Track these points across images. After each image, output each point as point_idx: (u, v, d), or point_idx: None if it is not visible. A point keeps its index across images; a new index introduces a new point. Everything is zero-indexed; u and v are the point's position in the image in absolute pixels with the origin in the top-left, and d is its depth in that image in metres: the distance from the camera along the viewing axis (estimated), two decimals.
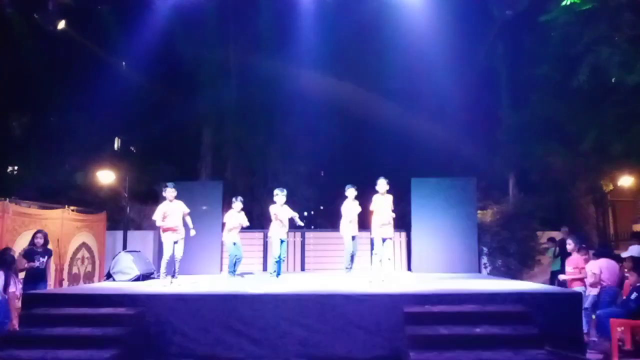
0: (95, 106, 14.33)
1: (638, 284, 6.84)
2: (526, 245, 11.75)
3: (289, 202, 8.64)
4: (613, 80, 10.32)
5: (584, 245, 8.31)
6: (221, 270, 10.35)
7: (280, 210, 8.52)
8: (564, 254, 9.44)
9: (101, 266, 11.57)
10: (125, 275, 9.18)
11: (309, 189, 16.73)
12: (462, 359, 5.53)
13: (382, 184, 8.15)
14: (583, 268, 7.81)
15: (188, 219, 8.31)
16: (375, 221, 8.16)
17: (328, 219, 17.77)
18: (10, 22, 12.41)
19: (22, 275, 7.97)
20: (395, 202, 8.35)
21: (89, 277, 11.13)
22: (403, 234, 11.59)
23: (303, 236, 11.85)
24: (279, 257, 8.52)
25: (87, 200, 13.01)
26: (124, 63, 14.01)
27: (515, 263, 11.61)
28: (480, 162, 14.55)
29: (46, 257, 8.05)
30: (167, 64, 15.64)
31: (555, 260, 10.96)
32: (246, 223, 9.27)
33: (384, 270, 8.09)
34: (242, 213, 9.28)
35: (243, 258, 9.48)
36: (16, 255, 7.92)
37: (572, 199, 13.98)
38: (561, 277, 8.36)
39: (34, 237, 8.03)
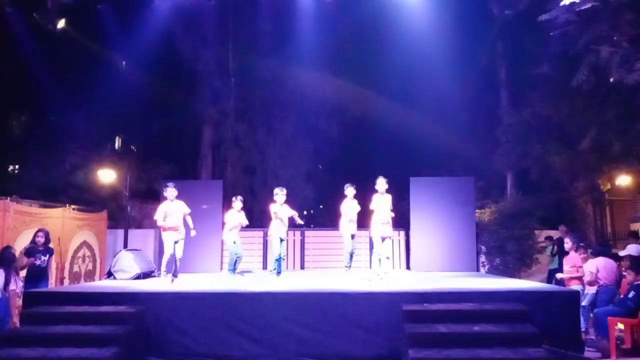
0: (95, 105, 14.37)
1: (636, 283, 6.88)
2: (524, 244, 11.79)
3: (289, 201, 8.67)
4: (612, 79, 10.32)
5: (582, 244, 8.34)
6: (221, 269, 10.38)
7: (280, 209, 8.55)
8: (562, 253, 9.47)
9: (102, 265, 11.60)
10: (126, 274, 9.21)
11: (308, 187, 16.77)
12: (460, 357, 5.57)
13: (381, 183, 8.18)
14: (581, 267, 7.85)
15: (189, 219, 8.34)
16: (374, 220, 8.19)
17: (327, 218, 17.83)
18: (10, 21, 12.43)
19: (23, 273, 8.01)
20: (394, 201, 8.39)
21: (89, 276, 11.16)
22: (402, 233, 11.62)
23: (303, 235, 11.88)
24: (279, 255, 8.55)
25: (88, 199, 13.06)
26: (124, 62, 14.04)
27: (514, 262, 11.65)
28: (479, 161, 14.61)
29: (47, 256, 8.07)
30: (167, 63, 15.67)
31: (553, 259, 10.99)
32: (245, 222, 9.29)
33: (383, 269, 8.13)
34: (242, 212, 9.31)
35: (243, 257, 9.52)
36: (17, 253, 7.97)
37: (570, 198, 14.01)
38: (559, 275, 8.39)
39: (35, 235, 8.06)
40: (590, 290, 7.74)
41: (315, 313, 6.47)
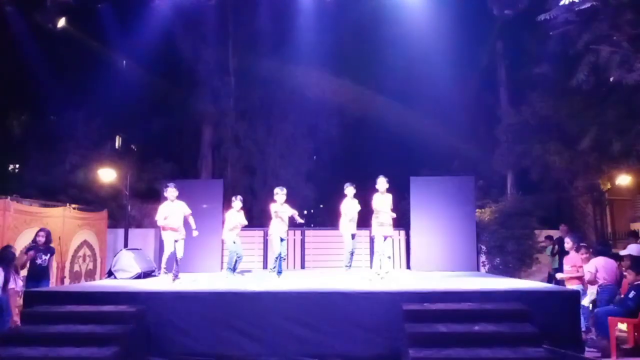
0: (96, 105, 14.38)
1: (636, 282, 6.88)
2: (524, 244, 11.79)
3: (289, 200, 8.68)
4: (612, 79, 10.33)
5: (584, 244, 8.34)
6: (221, 268, 10.38)
7: (280, 208, 8.56)
8: (562, 253, 9.47)
9: (102, 264, 11.61)
10: (126, 273, 9.22)
11: (308, 187, 16.79)
12: (460, 357, 5.57)
13: (382, 183, 8.19)
14: (581, 266, 7.85)
15: (191, 220, 8.34)
16: (375, 219, 8.19)
17: (328, 218, 17.84)
18: (10, 21, 12.43)
19: (24, 273, 8.02)
20: (394, 201, 8.39)
21: (90, 275, 11.17)
22: (402, 233, 11.63)
23: (303, 234, 11.89)
24: (279, 254, 8.55)
25: (88, 199, 13.06)
26: (124, 62, 14.04)
27: (514, 261, 11.66)
28: (479, 160, 14.62)
29: (48, 255, 8.08)
30: (167, 62, 15.68)
31: (553, 259, 11.00)
32: (244, 222, 9.31)
33: (384, 269, 8.14)
34: (242, 212, 9.32)
35: (243, 256, 9.53)
36: (17, 253, 7.97)
37: (570, 198, 14.02)
38: (558, 275, 8.39)
39: (36, 235, 8.07)
40: (591, 290, 7.74)
41: (315, 312, 6.47)
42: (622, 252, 8.45)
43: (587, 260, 7.96)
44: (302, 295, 6.79)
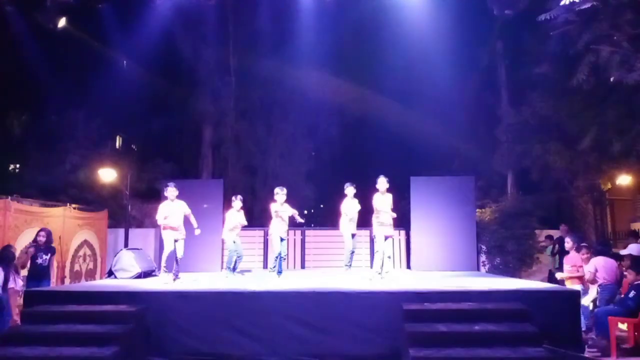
0: (96, 104, 14.40)
1: (636, 282, 6.88)
2: (525, 244, 11.79)
3: (289, 200, 8.68)
4: (612, 79, 10.33)
5: (585, 244, 8.34)
6: (222, 268, 10.39)
7: (280, 208, 8.56)
8: (562, 252, 9.48)
9: (103, 264, 11.62)
10: (126, 273, 9.23)
11: (308, 187, 16.79)
12: (460, 356, 5.57)
13: (382, 183, 8.18)
14: (581, 266, 7.85)
15: (192, 219, 8.35)
16: (376, 219, 8.19)
17: (328, 217, 17.85)
18: (10, 20, 12.43)
19: (24, 272, 8.03)
20: (394, 201, 8.40)
21: (90, 275, 11.18)
22: (402, 232, 11.63)
23: (303, 234, 11.90)
24: (279, 254, 8.55)
25: (89, 198, 13.07)
26: (124, 61, 14.05)
27: (514, 261, 11.65)
28: (479, 160, 14.62)
29: (49, 255, 8.09)
30: (168, 62, 15.69)
31: (554, 259, 11.00)
32: (244, 222, 9.33)
33: (384, 268, 8.14)
34: (242, 212, 9.33)
35: (243, 256, 9.54)
36: (18, 252, 7.98)
37: (570, 198, 14.02)
38: (558, 275, 8.39)
39: (37, 235, 8.08)
40: (591, 289, 7.74)
41: (315, 312, 6.48)
42: (623, 252, 8.45)
43: (588, 260, 7.96)
44: (302, 295, 6.79)
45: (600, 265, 7.59)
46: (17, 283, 7.07)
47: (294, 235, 11.76)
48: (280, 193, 8.47)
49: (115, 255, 9.83)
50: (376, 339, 6.33)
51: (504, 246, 11.69)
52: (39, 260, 7.90)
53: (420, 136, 15.53)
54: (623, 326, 6.80)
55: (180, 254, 8.19)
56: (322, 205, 21.11)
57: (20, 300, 7.01)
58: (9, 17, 12.19)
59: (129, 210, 12.65)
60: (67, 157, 14.12)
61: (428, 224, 10.67)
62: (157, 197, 9.33)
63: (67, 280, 10.17)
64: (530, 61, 12.97)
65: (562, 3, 9.74)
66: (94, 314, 6.40)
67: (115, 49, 14.78)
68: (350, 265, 8.81)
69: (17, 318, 6.84)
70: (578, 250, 8.10)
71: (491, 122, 14.65)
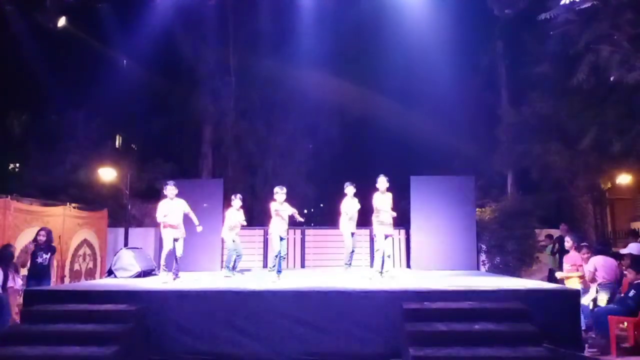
0: (96, 104, 14.39)
1: (636, 281, 6.88)
2: (525, 243, 11.78)
3: (289, 200, 8.68)
4: (612, 79, 10.33)
5: (586, 244, 8.33)
6: (222, 267, 10.40)
7: (280, 207, 8.56)
8: (562, 252, 9.48)
9: (102, 263, 11.62)
10: (126, 272, 9.24)
11: (308, 187, 16.79)
12: (460, 356, 5.58)
13: (382, 182, 8.18)
14: (581, 265, 7.85)
15: (192, 216, 8.35)
16: (376, 218, 8.19)
17: (328, 216, 17.84)
18: (10, 20, 12.44)
19: (24, 271, 8.04)
20: (394, 200, 8.40)
21: (90, 274, 11.18)
22: (402, 232, 11.63)
23: (303, 233, 11.90)
24: (279, 253, 8.54)
25: (89, 198, 13.07)
26: (124, 61, 14.04)
27: (514, 261, 11.64)
28: (479, 160, 14.62)
29: (49, 254, 8.09)
30: (168, 61, 15.69)
31: (553, 258, 11.00)
32: (243, 222, 9.35)
33: (384, 267, 8.14)
34: (241, 211, 9.34)
35: (243, 255, 9.55)
36: (17, 252, 7.99)
37: (570, 197, 14.02)
38: (558, 274, 8.39)
39: (37, 234, 8.09)
40: (591, 289, 7.74)
41: (315, 311, 6.48)
42: (623, 251, 8.44)
43: (588, 260, 7.96)
44: (302, 294, 6.79)
45: (599, 265, 7.59)
46: (17, 282, 7.08)
47: (294, 234, 11.76)
48: (280, 192, 8.47)
49: (115, 255, 9.84)
50: (376, 338, 6.34)
51: (504, 246, 11.69)
52: (39, 260, 7.91)
53: (420, 136, 15.53)
54: (623, 325, 6.82)
55: (179, 252, 8.18)
56: (322, 205, 21.11)
57: (20, 300, 7.01)
58: (9, 16, 12.20)
59: (129, 209, 12.66)
60: (67, 157, 14.12)
61: (428, 223, 10.67)
62: (157, 196, 9.35)
63: (67, 280, 10.17)
64: (530, 61, 12.97)
65: (562, 2, 9.76)
66: (93, 313, 6.40)
67: (115, 49, 14.78)
68: (350, 264, 8.81)
69: (16, 317, 6.84)
70: (579, 249, 8.10)
71: (491, 121, 14.64)
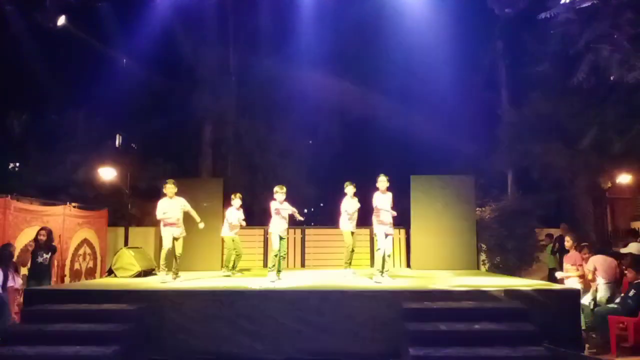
0: (96, 103, 14.36)
1: (636, 281, 6.88)
2: (525, 243, 11.79)
3: (290, 199, 8.68)
4: (612, 78, 10.33)
5: (587, 244, 8.33)
6: (221, 267, 10.42)
7: (280, 206, 8.57)
8: (562, 251, 9.48)
9: (103, 262, 11.62)
10: (126, 272, 9.25)
11: (309, 186, 16.77)
12: (460, 355, 5.58)
13: (382, 181, 8.19)
14: (581, 265, 7.86)
15: (193, 213, 8.36)
16: (376, 218, 8.19)
17: (328, 216, 17.82)
18: (10, 19, 12.43)
19: (25, 271, 8.04)
20: (394, 199, 8.40)
21: (90, 273, 11.18)
22: (402, 231, 11.64)
23: (303, 233, 11.91)
24: (278, 252, 8.54)
25: (89, 197, 13.06)
26: (124, 60, 14.03)
27: (514, 260, 11.64)
28: (479, 159, 14.59)
29: (50, 254, 8.09)
30: (168, 61, 15.67)
31: (553, 257, 11.00)
32: (243, 222, 9.36)
33: (385, 266, 8.15)
34: (241, 210, 9.36)
35: (243, 254, 9.55)
36: (17, 251, 7.98)
37: (570, 197, 14.00)
38: (558, 274, 8.40)
39: (37, 233, 8.10)
40: (591, 288, 7.74)
41: (315, 311, 6.49)
42: (623, 250, 8.44)
43: (589, 260, 7.96)
44: (302, 294, 6.81)
45: (598, 264, 7.60)
46: (17, 281, 7.08)
47: (294, 233, 11.77)
48: (279, 191, 8.47)
49: (115, 254, 9.85)
50: (376, 337, 6.34)
51: (504, 245, 11.68)
52: (40, 259, 7.92)
53: (420, 135, 15.50)
54: (623, 325, 6.81)
55: (179, 251, 8.17)
56: (322, 204, 21.09)
57: (20, 299, 7.01)
58: (9, 16, 12.19)
59: (129, 208, 12.65)
60: (67, 156, 14.10)
61: (428, 222, 10.68)
62: (158, 195, 9.33)
63: (67, 279, 10.17)
64: (530, 60, 12.95)
65: (562, 2, 9.76)
66: (94, 313, 6.41)
67: (116, 48, 14.75)
68: (350, 263, 8.82)
69: (15, 316, 6.83)
70: (580, 250, 8.10)
71: (491, 121, 14.62)
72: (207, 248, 10.34)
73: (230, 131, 16.54)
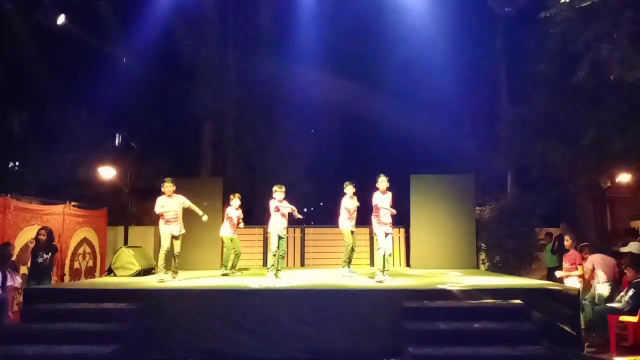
0: (96, 102, 14.37)
1: (636, 281, 6.89)
2: (525, 242, 11.78)
3: (289, 198, 8.68)
4: (612, 77, 10.32)
5: (587, 244, 8.33)
6: (221, 266, 10.42)
7: (280, 204, 8.57)
8: (562, 251, 9.48)
9: (102, 262, 11.62)
10: (126, 271, 9.26)
11: (308, 186, 16.78)
12: (460, 355, 5.59)
13: (382, 182, 8.17)
14: (581, 264, 7.86)
15: (195, 208, 8.35)
16: (376, 218, 8.18)
17: (328, 215, 17.83)
18: (10, 18, 12.42)
19: (24, 271, 8.04)
20: (394, 199, 8.40)
21: (90, 273, 11.18)
22: (402, 231, 11.64)
23: (303, 232, 11.92)
24: (278, 252, 8.54)
25: (89, 196, 13.05)
26: (124, 59, 14.02)
27: (514, 259, 11.64)
28: (479, 158, 14.59)
29: (50, 254, 8.09)
30: (168, 60, 15.66)
31: (553, 257, 11.00)
32: (242, 222, 9.37)
33: (386, 266, 8.15)
34: (240, 210, 9.36)
35: (242, 254, 9.55)
36: (17, 251, 7.99)
37: (570, 196, 14.00)
38: (558, 274, 8.40)
39: (38, 233, 8.09)
40: (591, 287, 7.75)
41: (315, 310, 6.49)
42: (623, 250, 8.45)
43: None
44: (301, 293, 6.81)
45: (597, 263, 7.60)
46: (16, 280, 7.08)
47: (294, 233, 11.78)
48: (279, 191, 8.48)
49: (115, 253, 9.85)
50: (376, 337, 6.35)
51: (503, 244, 11.68)
52: (40, 260, 7.91)
53: (420, 134, 15.50)
54: (623, 324, 6.82)
55: (177, 250, 8.15)
56: (322, 204, 21.09)
57: (20, 298, 7.01)
58: (9, 15, 12.18)
59: (129, 208, 12.65)
60: (67, 155, 14.10)
61: (428, 222, 10.69)
62: (157, 195, 9.34)
63: (67, 279, 10.17)
64: (530, 59, 12.94)
65: (562, 1, 9.73)
66: (94, 312, 6.41)
67: (116, 47, 14.74)
68: (349, 263, 8.82)
69: (12, 315, 6.83)
70: (581, 250, 8.10)
71: (491, 120, 14.62)
72: (207, 247, 10.35)
73: (230, 131, 16.53)
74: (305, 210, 18.25)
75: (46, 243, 8.04)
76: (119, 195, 13.33)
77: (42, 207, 9.76)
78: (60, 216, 10.11)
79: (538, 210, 12.28)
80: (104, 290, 7.12)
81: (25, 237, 8.54)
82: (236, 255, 9.32)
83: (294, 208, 8.61)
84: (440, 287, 7.03)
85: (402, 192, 10.98)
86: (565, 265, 8.10)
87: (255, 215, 13.14)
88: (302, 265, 11.68)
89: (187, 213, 8.41)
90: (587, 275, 7.68)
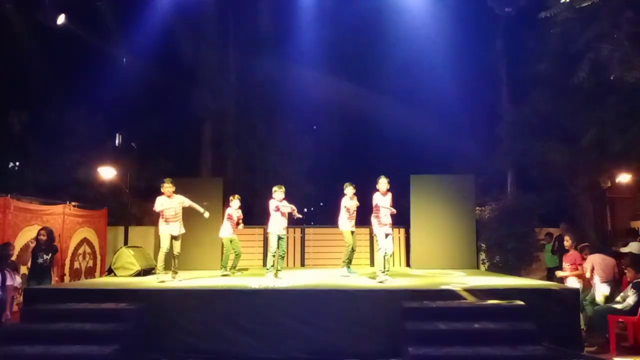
0: (96, 102, 14.38)
1: (636, 280, 6.88)
2: (524, 242, 11.78)
3: (289, 198, 8.68)
4: (612, 77, 10.32)
5: (587, 244, 8.33)
6: (221, 266, 10.42)
7: (280, 203, 8.57)
8: (562, 251, 9.48)
9: (102, 262, 11.62)
10: (126, 271, 9.25)
11: (308, 185, 16.79)
12: (460, 354, 5.59)
13: (383, 183, 8.16)
14: (580, 264, 7.86)
15: (195, 206, 8.35)
16: (376, 218, 8.18)
17: (328, 215, 17.82)
18: (9, 18, 12.42)
19: (25, 270, 8.03)
20: (394, 198, 8.40)
21: (90, 273, 11.18)
22: (402, 231, 11.64)
23: (303, 232, 11.92)
24: (277, 252, 8.54)
25: (89, 196, 13.06)
26: (124, 59, 14.02)
27: (514, 259, 11.64)
28: (479, 158, 14.59)
29: (50, 254, 8.09)
30: (168, 59, 15.66)
31: (553, 257, 11.01)
32: (241, 222, 9.37)
33: (387, 266, 8.15)
34: (240, 210, 9.36)
35: (242, 254, 9.55)
36: (17, 250, 7.98)
37: (570, 196, 14.00)
38: (558, 273, 8.40)
39: (38, 233, 8.09)
40: (591, 287, 7.75)
41: (315, 310, 6.49)
42: (623, 250, 8.46)
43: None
44: (301, 293, 6.81)
45: (596, 263, 7.60)
46: (16, 280, 7.08)
47: (294, 233, 11.78)
48: (278, 191, 8.48)
49: (114, 253, 9.84)
50: (376, 336, 6.35)
51: (503, 244, 11.68)
52: (40, 260, 7.91)
53: (420, 134, 15.50)
54: (622, 324, 6.82)
55: (177, 250, 8.15)
56: (321, 204, 21.10)
57: (20, 298, 7.01)
58: (9, 15, 12.18)
59: (129, 208, 12.65)
60: (67, 155, 14.11)
61: (428, 222, 10.68)
62: (157, 195, 9.35)
63: (66, 278, 10.17)
64: (530, 59, 12.94)
65: (562, 1, 9.73)
66: (93, 312, 6.41)
67: (115, 47, 14.74)
68: (349, 262, 8.82)
69: (9, 314, 6.82)
70: (582, 250, 8.10)
71: (491, 120, 14.63)
72: (207, 247, 10.34)
73: (230, 131, 16.54)
74: (305, 210, 18.25)
75: (46, 243, 8.04)
76: (119, 195, 13.33)
77: (42, 207, 9.77)
78: (60, 216, 10.11)
79: (538, 210, 12.28)
80: (104, 290, 7.12)
81: (25, 237, 8.54)
82: (236, 255, 9.32)
83: (294, 207, 8.61)
84: (439, 287, 7.03)
85: (402, 192, 10.98)
86: (565, 265, 8.10)
87: (255, 216, 13.15)
88: (302, 265, 11.68)
89: (187, 212, 8.40)
90: (586, 275, 7.68)
